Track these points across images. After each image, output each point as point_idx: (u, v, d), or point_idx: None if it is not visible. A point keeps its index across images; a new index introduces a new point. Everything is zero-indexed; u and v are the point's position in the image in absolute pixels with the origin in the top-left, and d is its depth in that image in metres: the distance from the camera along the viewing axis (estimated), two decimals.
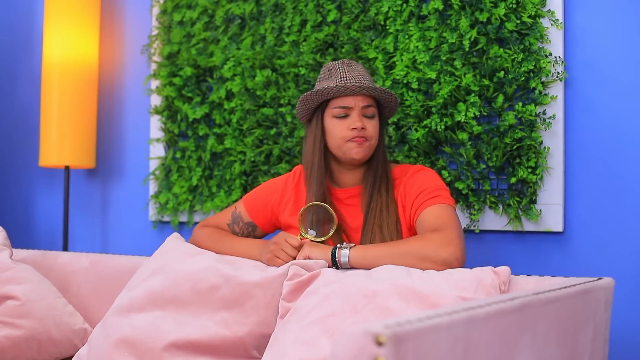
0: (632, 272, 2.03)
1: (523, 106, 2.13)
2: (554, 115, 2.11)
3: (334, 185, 2.02)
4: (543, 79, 2.13)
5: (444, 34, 2.24)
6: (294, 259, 1.85)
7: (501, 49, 2.16)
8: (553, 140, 2.12)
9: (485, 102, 2.20)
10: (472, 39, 2.20)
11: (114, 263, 2.28)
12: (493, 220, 2.19)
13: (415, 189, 1.92)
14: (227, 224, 2.12)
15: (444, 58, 2.23)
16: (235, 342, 1.80)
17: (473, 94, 2.18)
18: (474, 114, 2.18)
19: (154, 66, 2.84)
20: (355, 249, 1.79)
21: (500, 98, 2.15)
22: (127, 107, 2.98)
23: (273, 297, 1.79)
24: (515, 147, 2.14)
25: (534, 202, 2.13)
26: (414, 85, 2.26)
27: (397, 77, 2.30)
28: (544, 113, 2.13)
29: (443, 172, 2.22)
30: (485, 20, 2.18)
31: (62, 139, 2.83)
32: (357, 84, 1.90)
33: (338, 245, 1.81)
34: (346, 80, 1.92)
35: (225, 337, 1.79)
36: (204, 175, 2.68)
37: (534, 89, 2.13)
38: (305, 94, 1.94)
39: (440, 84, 2.24)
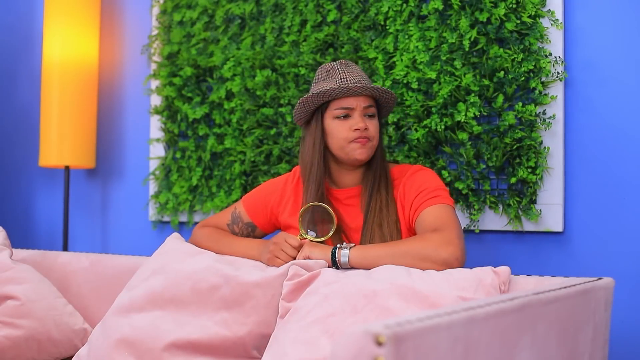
0: (632, 272, 2.03)
1: (523, 106, 2.13)
2: (554, 115, 2.11)
3: (332, 186, 2.02)
4: (543, 79, 2.13)
5: (444, 34, 2.24)
6: (294, 259, 1.85)
7: (501, 49, 2.16)
8: (553, 140, 2.12)
9: (485, 102, 2.20)
10: (472, 39, 2.20)
11: (114, 263, 2.28)
12: (493, 220, 2.19)
13: (414, 189, 1.92)
14: (226, 224, 2.12)
15: (444, 58, 2.23)
16: (235, 342, 1.80)
17: (473, 94, 2.18)
18: (474, 114, 2.18)
19: (154, 66, 2.85)
20: (355, 249, 1.79)
21: (500, 98, 2.15)
22: (127, 107, 2.98)
23: (273, 297, 1.79)
24: (515, 147, 2.14)
25: (534, 202, 2.13)
26: (414, 85, 2.27)
27: (397, 77, 2.30)
28: (544, 113, 2.13)
29: (443, 172, 2.22)
30: (485, 20, 2.18)
31: (62, 139, 2.83)
32: (358, 85, 1.90)
33: (338, 245, 1.82)
34: (347, 81, 1.91)
35: (225, 337, 1.79)
36: (204, 175, 2.68)
37: (534, 89, 2.13)
38: (305, 96, 1.93)
39: (440, 84, 2.24)
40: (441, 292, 1.59)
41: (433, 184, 1.92)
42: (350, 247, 1.80)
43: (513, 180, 2.14)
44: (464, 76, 2.20)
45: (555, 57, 2.12)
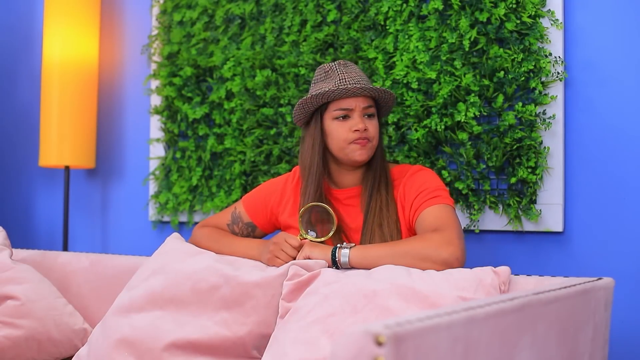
0: (632, 272, 2.03)
1: (523, 106, 2.13)
2: (554, 115, 2.11)
3: (332, 186, 2.02)
4: (543, 79, 2.13)
5: (444, 34, 2.24)
6: (294, 259, 1.85)
7: (501, 49, 2.16)
8: (553, 140, 2.12)
9: (485, 102, 2.20)
10: (472, 39, 2.20)
11: (114, 263, 2.28)
12: (493, 220, 2.19)
13: (414, 189, 1.92)
14: (226, 224, 2.12)
15: (444, 58, 2.23)
16: (235, 342, 1.80)
17: (473, 94, 2.18)
18: (474, 114, 2.18)
19: (154, 66, 2.85)
20: (355, 249, 1.79)
21: (500, 98, 2.15)
22: (127, 107, 2.98)
23: (273, 297, 1.79)
24: (515, 147, 2.14)
25: (534, 202, 2.13)
26: (414, 85, 2.26)
27: (397, 77, 2.30)
28: (544, 113, 2.13)
29: (443, 172, 2.22)
30: (485, 20, 2.18)
31: (62, 139, 2.83)
32: (357, 86, 1.90)
33: (338, 245, 1.82)
34: (346, 82, 1.91)
35: (225, 337, 1.79)
36: (204, 175, 2.68)
37: (534, 89, 2.13)
38: (304, 97, 1.93)
39: (440, 84, 2.24)
40: (441, 292, 1.59)
41: (433, 184, 1.92)
42: (350, 247, 1.80)
43: (513, 180, 2.14)
44: (464, 76, 2.20)
45: (555, 57, 2.12)
